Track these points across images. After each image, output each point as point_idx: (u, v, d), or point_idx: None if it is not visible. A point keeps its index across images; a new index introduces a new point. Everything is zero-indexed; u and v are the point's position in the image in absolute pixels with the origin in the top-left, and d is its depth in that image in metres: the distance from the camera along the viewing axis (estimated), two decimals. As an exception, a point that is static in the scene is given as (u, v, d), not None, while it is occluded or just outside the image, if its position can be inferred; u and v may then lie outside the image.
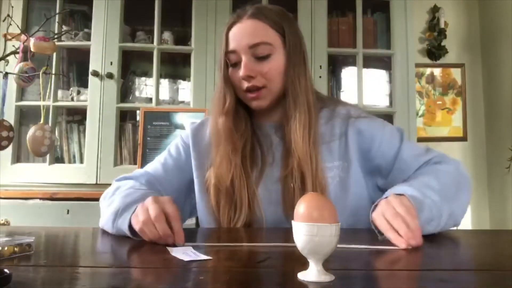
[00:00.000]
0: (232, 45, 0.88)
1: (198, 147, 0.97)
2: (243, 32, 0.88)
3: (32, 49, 1.14)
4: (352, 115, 0.92)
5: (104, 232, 0.82)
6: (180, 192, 0.95)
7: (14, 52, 1.16)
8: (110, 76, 1.99)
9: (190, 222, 1.08)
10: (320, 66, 2.08)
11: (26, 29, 1.94)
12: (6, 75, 1.13)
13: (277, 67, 0.89)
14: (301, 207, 0.47)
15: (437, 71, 2.60)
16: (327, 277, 0.45)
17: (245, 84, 0.88)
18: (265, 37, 0.88)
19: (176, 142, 1.02)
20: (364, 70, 2.18)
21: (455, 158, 0.92)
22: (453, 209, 0.77)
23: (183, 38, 2.17)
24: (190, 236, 0.79)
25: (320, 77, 2.07)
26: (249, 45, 0.87)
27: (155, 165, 0.98)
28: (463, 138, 2.58)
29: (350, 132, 0.90)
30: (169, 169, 0.97)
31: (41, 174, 1.97)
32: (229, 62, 0.90)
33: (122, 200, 0.79)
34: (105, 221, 0.80)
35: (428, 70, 2.60)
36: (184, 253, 0.56)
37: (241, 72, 0.87)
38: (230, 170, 0.87)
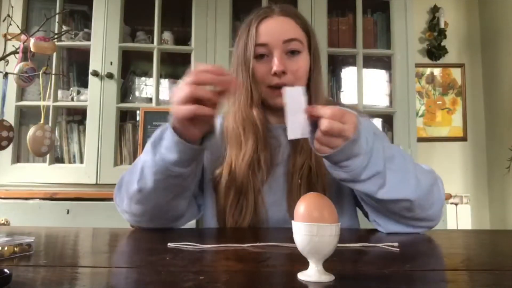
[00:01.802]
0: (264, 39, 0.86)
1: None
2: (276, 27, 0.87)
3: (32, 49, 1.14)
4: None
5: (102, 231, 0.82)
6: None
7: (14, 52, 1.16)
8: (110, 76, 1.99)
9: (190, 222, 1.08)
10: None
11: (26, 29, 1.94)
12: (6, 75, 1.13)
13: (305, 66, 0.89)
14: (301, 207, 0.47)
15: (437, 71, 2.60)
16: (327, 277, 0.45)
17: (275, 80, 0.85)
18: (297, 35, 0.88)
19: None
20: (364, 70, 2.18)
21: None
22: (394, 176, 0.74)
23: (183, 38, 2.17)
24: (190, 237, 0.80)
25: (320, 77, 2.07)
26: (283, 40, 0.86)
27: None
28: (463, 138, 2.58)
29: None
30: None
31: (41, 174, 1.97)
32: (254, 56, 0.87)
33: (152, 140, 0.76)
34: (138, 172, 0.75)
35: (428, 70, 2.60)
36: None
37: (275, 66, 0.84)
38: (253, 166, 0.86)
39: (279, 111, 0.90)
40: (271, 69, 0.85)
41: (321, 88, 0.92)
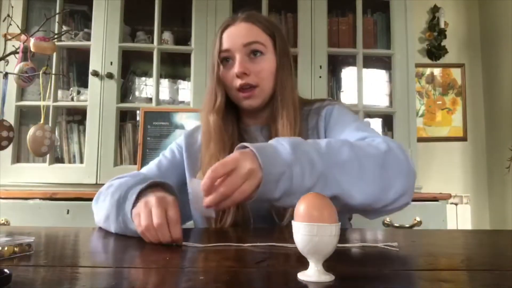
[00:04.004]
0: (226, 45, 0.92)
1: (190, 149, 1.00)
2: (237, 33, 0.92)
3: (32, 49, 1.14)
4: (322, 105, 0.97)
5: (103, 231, 0.82)
6: (177, 190, 0.95)
7: (14, 52, 1.16)
8: (110, 76, 1.99)
9: (190, 222, 1.09)
10: (320, 66, 2.08)
11: (26, 29, 1.94)
12: (6, 75, 1.13)
13: (269, 67, 0.93)
14: (301, 207, 0.47)
15: (437, 71, 2.60)
16: (327, 277, 0.45)
17: (238, 82, 0.90)
18: (258, 38, 0.92)
19: (171, 146, 1.05)
20: (364, 70, 2.18)
21: (402, 149, 0.78)
22: (339, 180, 0.66)
23: (183, 38, 2.17)
24: (191, 236, 0.80)
25: (320, 77, 2.07)
26: (244, 44, 0.91)
27: (149, 167, 1.01)
28: (463, 138, 2.58)
29: (320, 122, 0.94)
30: (163, 169, 0.99)
31: (41, 174, 1.97)
32: (220, 62, 0.92)
33: (121, 189, 0.79)
34: (104, 215, 0.80)
35: (428, 70, 2.60)
36: None
37: (236, 68, 0.89)
38: None
39: (254, 113, 0.97)
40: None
41: (288, 88, 0.94)
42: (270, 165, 0.62)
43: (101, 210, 0.83)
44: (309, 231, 0.45)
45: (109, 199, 0.81)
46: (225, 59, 0.92)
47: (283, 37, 0.97)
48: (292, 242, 0.47)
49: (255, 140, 0.95)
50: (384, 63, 2.27)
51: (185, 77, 2.22)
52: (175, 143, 1.05)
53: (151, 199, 0.69)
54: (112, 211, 0.78)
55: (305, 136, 0.91)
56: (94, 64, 2.01)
